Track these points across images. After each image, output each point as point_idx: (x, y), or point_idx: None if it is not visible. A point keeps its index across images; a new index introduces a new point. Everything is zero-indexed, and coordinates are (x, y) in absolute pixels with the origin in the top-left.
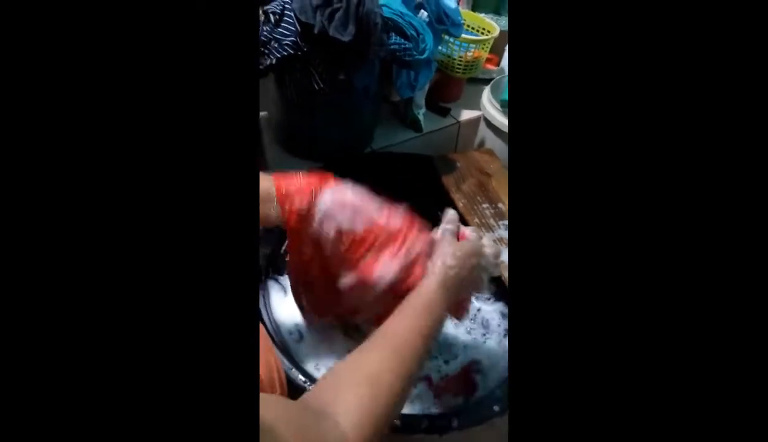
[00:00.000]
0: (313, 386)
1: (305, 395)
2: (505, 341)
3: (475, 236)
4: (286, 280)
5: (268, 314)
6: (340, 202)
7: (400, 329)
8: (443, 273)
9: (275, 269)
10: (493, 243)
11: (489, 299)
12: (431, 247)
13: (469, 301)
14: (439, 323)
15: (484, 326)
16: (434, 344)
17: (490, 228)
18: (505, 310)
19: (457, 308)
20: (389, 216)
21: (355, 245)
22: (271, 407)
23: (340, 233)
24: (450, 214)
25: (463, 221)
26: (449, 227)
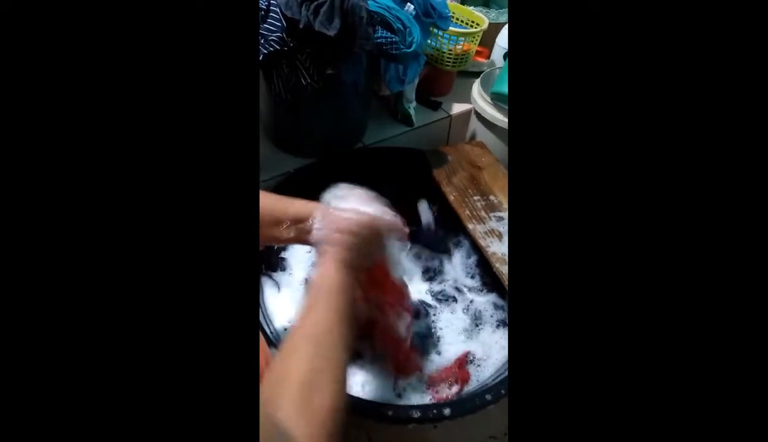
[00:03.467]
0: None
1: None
2: (498, 332)
3: (350, 202)
4: (279, 276)
5: (262, 310)
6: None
7: (320, 325)
8: (338, 252)
9: (268, 266)
10: (387, 213)
11: (481, 291)
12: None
13: (417, 359)
14: (350, 304)
15: (477, 317)
16: (353, 324)
17: (481, 220)
18: (498, 301)
19: (407, 366)
20: None
21: None
22: None
23: None
24: (336, 188)
25: (455, 215)
26: (330, 198)
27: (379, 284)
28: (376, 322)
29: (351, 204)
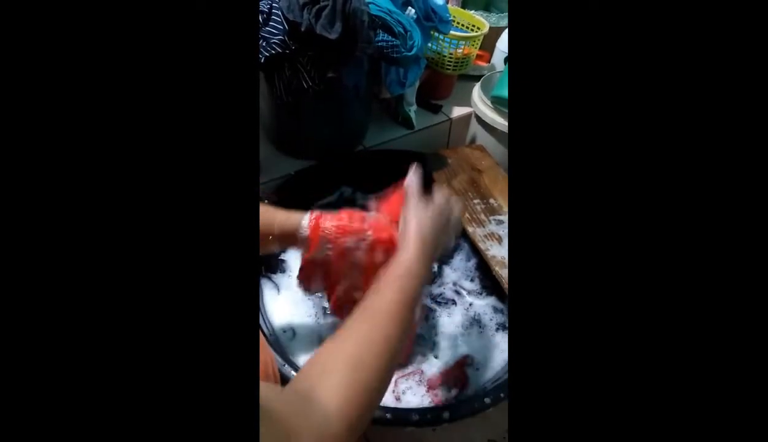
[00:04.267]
0: (303, 368)
1: (293, 379)
2: (497, 335)
3: (440, 194)
4: (279, 278)
5: (262, 312)
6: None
7: (380, 303)
8: (420, 236)
9: (268, 268)
10: (454, 199)
11: (481, 294)
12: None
13: (410, 346)
14: (420, 287)
15: (476, 320)
16: (419, 309)
17: (481, 223)
18: (497, 304)
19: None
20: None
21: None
22: (262, 392)
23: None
24: (415, 167)
25: None
26: (414, 182)
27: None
28: None
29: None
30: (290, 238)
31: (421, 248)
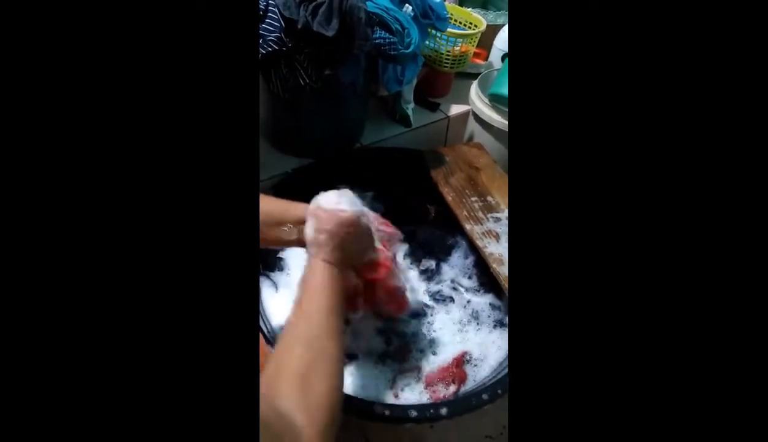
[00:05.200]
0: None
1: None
2: (495, 332)
3: (335, 205)
4: (277, 276)
5: (260, 310)
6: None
7: (309, 318)
8: (324, 252)
9: (266, 266)
10: (364, 213)
11: (478, 291)
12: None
13: (404, 295)
14: (339, 299)
15: (474, 317)
16: (342, 315)
17: (478, 221)
18: (495, 301)
19: (398, 306)
20: None
21: None
22: None
23: None
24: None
25: (453, 216)
26: (319, 201)
27: None
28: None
29: (337, 205)
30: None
31: (325, 260)
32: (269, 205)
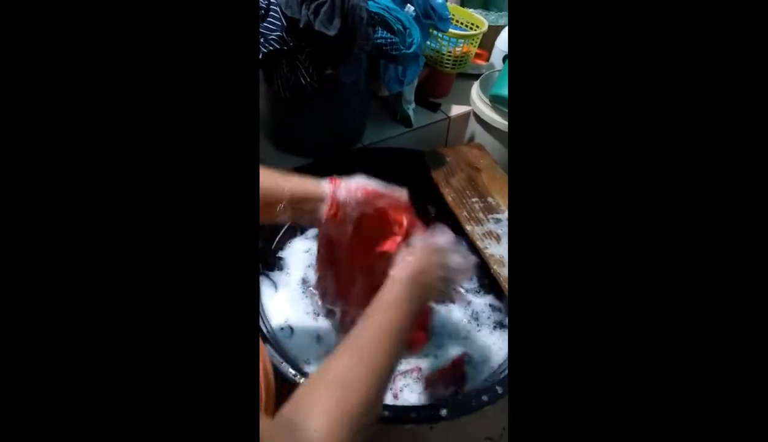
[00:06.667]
0: (291, 396)
1: (284, 407)
2: (495, 334)
3: (446, 245)
4: (276, 276)
5: (259, 311)
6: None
7: (368, 332)
8: (410, 273)
9: (266, 265)
10: (465, 254)
11: (478, 292)
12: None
13: (424, 336)
14: (408, 320)
15: (474, 319)
16: (405, 340)
17: (479, 222)
18: (495, 303)
19: (410, 343)
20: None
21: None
22: None
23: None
24: (439, 228)
25: (453, 217)
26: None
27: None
28: None
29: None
30: (304, 203)
31: (410, 285)
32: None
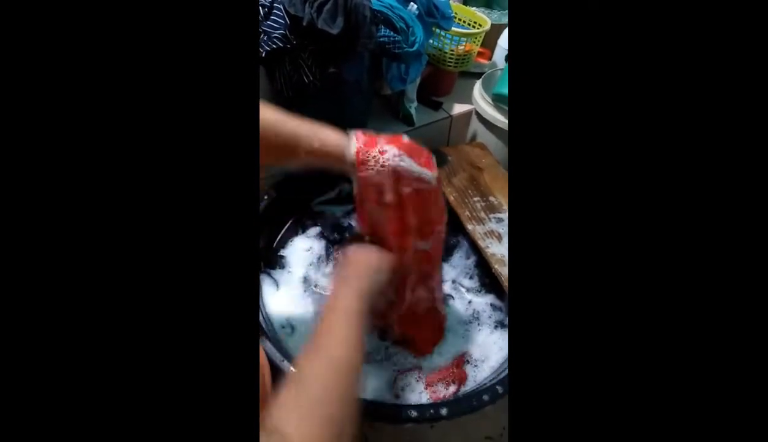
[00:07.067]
0: (271, 407)
1: (262, 421)
2: (496, 333)
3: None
4: (278, 274)
5: (260, 308)
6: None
7: (336, 347)
8: (360, 287)
9: (267, 263)
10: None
11: (479, 292)
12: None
13: (436, 337)
14: (364, 333)
15: (475, 318)
16: (364, 352)
17: (481, 221)
18: (496, 302)
19: (423, 345)
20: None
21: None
22: None
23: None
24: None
25: (455, 216)
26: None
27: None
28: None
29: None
30: (328, 157)
31: (360, 297)
32: (281, 127)
